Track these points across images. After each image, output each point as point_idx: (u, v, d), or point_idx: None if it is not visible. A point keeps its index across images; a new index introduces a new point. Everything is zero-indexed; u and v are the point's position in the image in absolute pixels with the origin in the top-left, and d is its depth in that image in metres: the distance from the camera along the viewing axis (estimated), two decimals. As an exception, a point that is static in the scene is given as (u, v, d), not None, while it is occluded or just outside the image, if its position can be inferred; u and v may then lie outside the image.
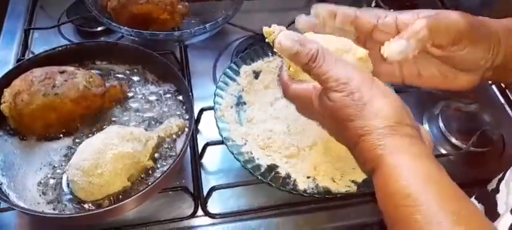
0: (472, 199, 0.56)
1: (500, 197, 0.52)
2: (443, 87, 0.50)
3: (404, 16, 0.48)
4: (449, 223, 0.33)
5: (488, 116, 0.72)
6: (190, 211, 0.58)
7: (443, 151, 0.70)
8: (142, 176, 0.56)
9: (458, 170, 0.68)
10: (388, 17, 0.48)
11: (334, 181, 0.55)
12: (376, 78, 0.43)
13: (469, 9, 0.87)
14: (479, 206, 0.53)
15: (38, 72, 0.56)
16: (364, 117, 0.40)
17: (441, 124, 0.72)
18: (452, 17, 0.44)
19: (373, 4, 0.93)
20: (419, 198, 0.34)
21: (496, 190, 0.53)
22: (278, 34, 0.44)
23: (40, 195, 0.53)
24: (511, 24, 0.47)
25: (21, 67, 0.59)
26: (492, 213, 0.51)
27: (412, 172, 0.36)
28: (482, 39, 0.45)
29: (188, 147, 0.62)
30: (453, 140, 0.70)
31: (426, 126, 0.73)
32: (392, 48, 0.45)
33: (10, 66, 0.74)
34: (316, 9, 0.51)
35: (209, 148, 0.63)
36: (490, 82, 0.55)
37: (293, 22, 0.76)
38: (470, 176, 0.67)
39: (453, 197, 0.35)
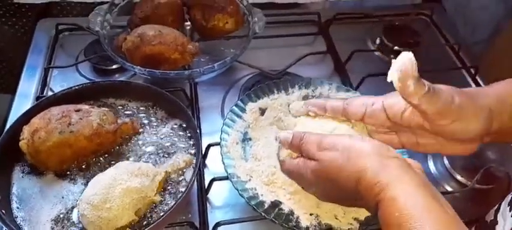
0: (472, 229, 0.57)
1: (498, 228, 0.53)
2: (444, 153, 0.52)
3: (390, 100, 0.51)
4: None
5: (493, 153, 0.72)
6: (196, 246, 0.60)
7: (448, 188, 0.70)
8: (149, 210, 0.57)
9: (463, 207, 0.68)
10: (375, 104, 0.52)
11: (336, 219, 0.56)
12: (353, 133, 0.50)
13: (472, 45, 0.90)
14: None
15: (55, 111, 0.60)
16: (352, 162, 0.44)
17: (446, 161, 0.73)
18: (443, 93, 0.46)
19: (378, 41, 0.96)
20: (410, 227, 0.38)
21: (495, 221, 0.54)
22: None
23: (52, 228, 0.55)
24: (504, 93, 0.49)
25: (40, 105, 0.63)
26: None
27: (409, 203, 0.39)
28: (470, 116, 0.46)
29: (195, 182, 0.64)
30: (458, 177, 0.71)
31: (431, 162, 0.74)
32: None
33: (30, 102, 0.79)
34: (307, 108, 0.59)
35: (215, 183, 0.64)
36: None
37: (300, 58, 0.80)
38: (475, 213, 0.66)
39: (442, 221, 0.38)
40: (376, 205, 0.42)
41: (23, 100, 0.79)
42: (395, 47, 0.92)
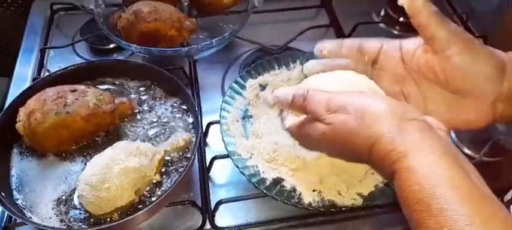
0: None
1: None
2: (454, 125, 0.49)
3: (406, 40, 0.49)
4: (463, 227, 0.31)
5: (502, 125, 0.70)
6: (198, 224, 0.59)
7: (455, 162, 0.69)
8: (150, 190, 0.57)
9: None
10: (392, 41, 0.50)
11: (340, 194, 0.55)
12: (365, 91, 0.45)
13: (480, 17, 0.87)
14: None
15: (50, 92, 0.58)
16: (367, 126, 0.39)
17: (453, 135, 0.71)
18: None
19: (382, 12, 0.93)
20: (431, 203, 0.33)
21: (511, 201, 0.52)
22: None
23: (52, 208, 0.55)
24: None
25: (35, 86, 0.62)
26: None
27: (425, 174, 0.34)
28: (481, 52, 0.44)
29: (196, 160, 0.63)
30: (465, 150, 0.69)
31: (437, 136, 0.72)
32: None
33: (27, 84, 0.77)
34: (322, 46, 0.54)
35: (217, 161, 0.63)
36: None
37: (301, 33, 0.78)
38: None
39: (471, 198, 0.33)
40: (392, 175, 0.37)
41: (20, 83, 0.78)
42: (401, 19, 0.89)
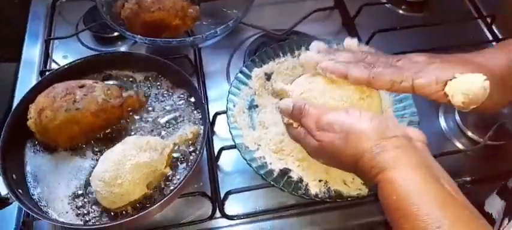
0: (494, 194, 0.56)
1: None
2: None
3: (421, 81, 0.47)
4: (434, 229, 0.36)
5: (506, 109, 0.70)
6: (208, 213, 0.61)
7: (460, 146, 0.70)
8: (160, 182, 0.58)
9: (476, 164, 0.68)
10: (404, 82, 0.48)
11: (345, 184, 0.56)
12: (351, 108, 0.47)
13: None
14: (502, 202, 0.54)
15: (59, 88, 0.59)
16: (351, 145, 0.44)
17: (457, 118, 0.71)
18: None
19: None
20: (406, 210, 0.38)
21: None
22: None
23: (68, 203, 0.57)
24: None
25: (43, 82, 0.62)
26: (510, 208, 0.51)
27: (401, 185, 0.40)
28: (499, 95, 0.46)
29: (204, 151, 0.65)
30: (469, 134, 0.70)
31: (442, 119, 0.73)
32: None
33: (34, 76, 0.78)
34: (323, 72, 0.52)
35: (225, 150, 0.65)
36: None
37: (306, 16, 0.75)
38: (488, 170, 0.66)
39: (441, 204, 0.38)
40: (376, 186, 0.43)
41: (28, 69, 0.79)
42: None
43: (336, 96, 0.50)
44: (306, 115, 0.48)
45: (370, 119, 0.44)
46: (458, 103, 0.45)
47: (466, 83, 0.45)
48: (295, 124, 0.52)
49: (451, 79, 0.45)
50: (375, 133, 0.43)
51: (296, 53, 0.68)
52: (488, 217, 0.54)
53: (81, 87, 0.60)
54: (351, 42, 0.55)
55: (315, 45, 0.55)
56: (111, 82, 0.65)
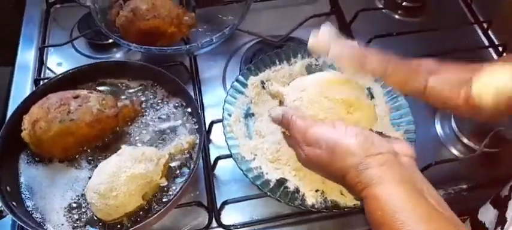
0: (487, 203, 0.57)
1: (511, 204, 0.52)
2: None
3: (437, 82, 0.47)
4: None
5: (502, 116, 0.70)
6: (205, 223, 0.61)
7: (456, 152, 0.70)
8: (157, 193, 0.58)
9: (472, 171, 0.68)
10: (419, 81, 0.48)
11: (342, 194, 0.56)
12: (338, 121, 0.48)
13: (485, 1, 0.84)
14: (495, 211, 0.54)
15: (53, 99, 0.58)
16: (337, 160, 0.45)
17: (454, 125, 0.71)
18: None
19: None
20: (392, 225, 0.39)
21: (509, 196, 0.53)
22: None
23: (64, 215, 0.56)
24: None
25: (38, 92, 0.62)
26: (502, 218, 0.51)
27: (386, 201, 0.40)
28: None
29: (200, 160, 0.64)
30: (466, 141, 0.70)
31: (438, 126, 0.73)
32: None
33: (28, 81, 0.78)
34: (342, 59, 0.52)
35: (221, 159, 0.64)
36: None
37: (302, 23, 0.74)
38: (484, 177, 0.66)
39: (425, 218, 0.38)
40: (362, 200, 0.43)
41: (23, 74, 0.79)
42: (404, 3, 0.87)
43: (325, 108, 0.51)
44: (294, 127, 0.49)
45: (356, 135, 0.45)
46: (487, 100, 0.44)
47: (495, 76, 0.43)
48: (287, 132, 0.52)
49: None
50: (360, 149, 0.43)
51: (292, 60, 0.68)
52: (482, 226, 0.55)
53: (76, 97, 0.59)
54: (326, 29, 0.53)
55: (326, 29, 0.53)
56: (104, 88, 0.65)
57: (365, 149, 0.44)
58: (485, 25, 0.84)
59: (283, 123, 0.51)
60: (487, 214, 0.55)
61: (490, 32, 0.83)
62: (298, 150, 0.50)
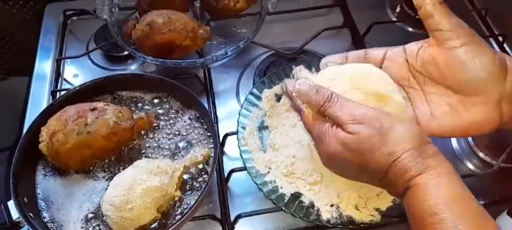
0: (504, 213, 0.56)
1: None
2: (461, 132, 0.49)
3: (411, 44, 0.51)
4: None
5: (520, 131, 0.69)
6: (218, 236, 0.61)
7: (472, 167, 0.69)
8: (172, 206, 0.58)
9: (489, 186, 0.67)
10: (396, 47, 0.52)
11: (357, 209, 0.56)
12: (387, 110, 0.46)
13: (500, 15, 0.84)
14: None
15: (71, 111, 0.59)
16: (390, 144, 0.42)
17: (470, 139, 0.70)
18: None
19: (398, 9, 0.90)
20: (445, 216, 0.38)
21: None
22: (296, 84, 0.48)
23: (81, 227, 0.57)
24: None
25: (55, 104, 0.63)
26: None
27: (439, 191, 0.39)
28: (483, 47, 0.46)
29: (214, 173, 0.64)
30: (482, 155, 0.69)
31: (454, 141, 0.72)
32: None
33: (45, 93, 0.79)
34: (328, 59, 0.55)
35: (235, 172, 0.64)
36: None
37: (315, 36, 0.75)
38: (501, 192, 0.65)
39: (477, 214, 0.39)
40: (405, 190, 0.41)
41: (40, 85, 0.80)
42: (418, 16, 0.86)
43: (355, 99, 0.47)
44: (335, 103, 0.45)
45: (408, 122, 0.45)
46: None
47: None
48: (312, 114, 0.47)
49: None
50: (414, 135, 0.42)
51: (306, 73, 0.68)
52: None
53: (93, 110, 0.60)
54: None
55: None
56: (120, 100, 0.65)
57: (419, 136, 0.42)
58: (500, 38, 0.83)
59: (317, 100, 0.45)
60: (505, 224, 0.54)
61: (505, 45, 0.83)
62: (329, 133, 0.45)
